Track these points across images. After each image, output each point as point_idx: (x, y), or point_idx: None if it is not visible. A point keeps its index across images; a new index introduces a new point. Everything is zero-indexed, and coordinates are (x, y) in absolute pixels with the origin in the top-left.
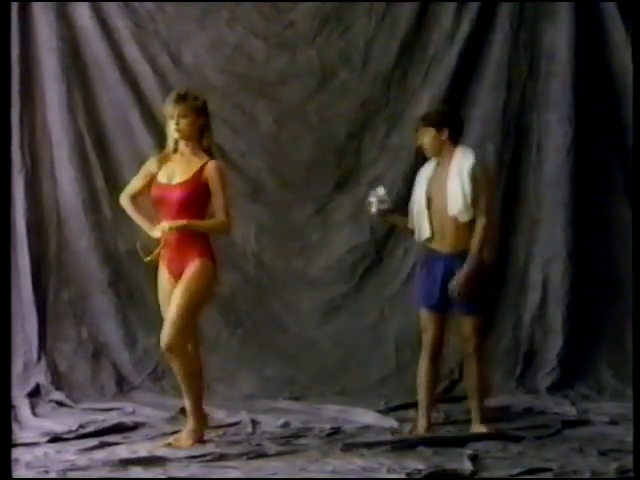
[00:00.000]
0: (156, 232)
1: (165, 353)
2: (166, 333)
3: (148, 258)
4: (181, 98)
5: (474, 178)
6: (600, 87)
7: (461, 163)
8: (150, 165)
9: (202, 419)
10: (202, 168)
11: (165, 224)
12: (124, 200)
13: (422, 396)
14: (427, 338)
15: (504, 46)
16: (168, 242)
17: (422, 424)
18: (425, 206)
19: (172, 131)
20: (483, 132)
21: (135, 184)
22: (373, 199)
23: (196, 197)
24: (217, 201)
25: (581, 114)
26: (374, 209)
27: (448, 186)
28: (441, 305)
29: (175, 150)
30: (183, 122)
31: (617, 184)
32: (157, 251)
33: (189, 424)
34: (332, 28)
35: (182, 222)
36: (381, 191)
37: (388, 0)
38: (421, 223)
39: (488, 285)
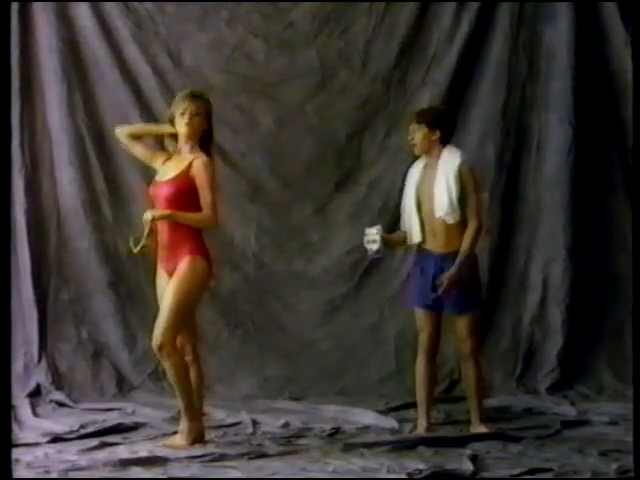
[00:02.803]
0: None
1: (156, 353)
2: (156, 333)
3: (136, 249)
4: (196, 96)
5: (460, 180)
6: (600, 87)
7: (447, 164)
8: (158, 154)
9: (195, 420)
10: (190, 165)
11: (149, 212)
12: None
13: (421, 396)
14: (423, 338)
15: (504, 46)
16: (161, 240)
17: (422, 424)
18: (415, 209)
19: (181, 126)
20: (483, 132)
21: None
22: (364, 238)
23: (183, 193)
24: (203, 197)
25: (581, 114)
26: (367, 249)
27: (435, 188)
28: (435, 304)
29: (179, 152)
30: (196, 119)
31: (617, 184)
32: (142, 242)
33: (182, 424)
34: (332, 28)
35: (167, 212)
36: (372, 231)
37: (388, 0)
38: (412, 227)
39: (479, 285)
